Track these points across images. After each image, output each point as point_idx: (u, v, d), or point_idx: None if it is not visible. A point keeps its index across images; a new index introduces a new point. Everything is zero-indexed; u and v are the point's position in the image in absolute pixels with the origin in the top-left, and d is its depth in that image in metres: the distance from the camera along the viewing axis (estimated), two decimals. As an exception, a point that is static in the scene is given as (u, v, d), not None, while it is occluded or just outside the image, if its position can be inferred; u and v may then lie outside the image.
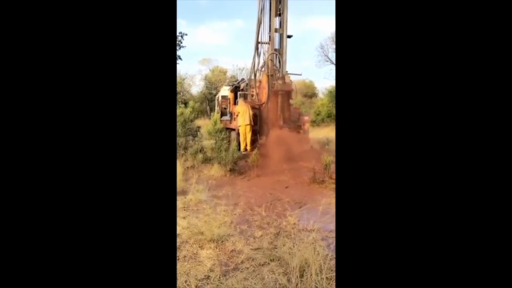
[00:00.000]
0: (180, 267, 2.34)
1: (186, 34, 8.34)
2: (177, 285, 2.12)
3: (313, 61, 56.18)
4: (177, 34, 8.34)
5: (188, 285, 2.14)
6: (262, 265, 2.30)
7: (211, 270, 2.27)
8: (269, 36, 7.28)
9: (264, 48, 7.56)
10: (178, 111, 6.51)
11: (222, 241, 2.73)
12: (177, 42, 8.37)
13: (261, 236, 2.87)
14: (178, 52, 8.54)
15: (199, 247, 2.66)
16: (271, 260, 2.34)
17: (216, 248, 2.62)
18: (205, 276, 2.21)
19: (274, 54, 7.18)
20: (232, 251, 2.57)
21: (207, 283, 2.11)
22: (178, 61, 8.63)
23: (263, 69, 7.48)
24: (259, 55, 7.57)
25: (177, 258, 2.48)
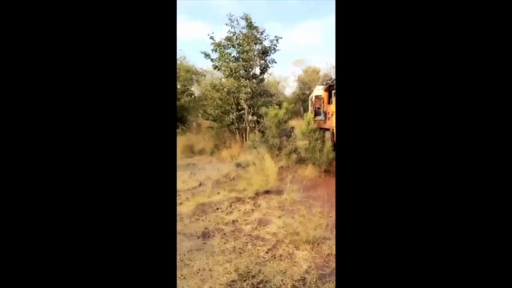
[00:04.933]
0: (276, 265, 2.38)
1: (280, 38, 8.49)
2: (273, 283, 2.17)
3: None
4: (273, 38, 8.55)
5: (284, 284, 2.16)
6: (362, 273, 2.17)
7: (307, 272, 2.25)
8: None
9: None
10: (272, 112, 6.68)
11: (318, 244, 2.68)
12: (273, 46, 8.57)
13: (360, 242, 2.71)
14: (273, 56, 8.75)
15: (295, 247, 2.66)
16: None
17: (312, 250, 2.59)
18: (301, 277, 2.20)
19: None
20: (328, 255, 2.50)
21: (303, 285, 2.10)
22: (273, 64, 8.82)
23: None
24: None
25: (274, 256, 2.54)
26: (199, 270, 2.38)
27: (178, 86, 10.92)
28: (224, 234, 3.05)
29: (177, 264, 2.48)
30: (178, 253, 2.65)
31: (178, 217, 3.54)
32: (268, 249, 2.67)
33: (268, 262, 2.46)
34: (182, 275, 2.31)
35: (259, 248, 2.72)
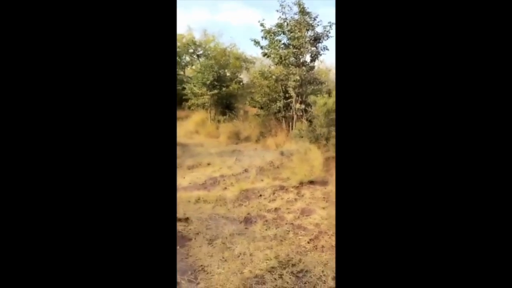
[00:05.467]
0: (318, 257, 2.33)
1: (334, 24, 8.11)
2: (313, 273, 2.13)
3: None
4: (326, 24, 8.21)
5: (324, 275, 2.11)
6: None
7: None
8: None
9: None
10: (321, 101, 6.48)
11: (363, 239, 2.57)
12: (325, 33, 8.24)
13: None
14: (325, 43, 8.43)
15: (338, 240, 2.58)
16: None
17: (356, 244, 2.49)
18: (343, 271, 2.13)
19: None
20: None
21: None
22: (325, 51, 8.51)
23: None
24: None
25: (315, 247, 2.49)
26: (240, 254, 2.42)
27: (228, 74, 11.07)
28: (266, 221, 3.06)
29: (219, 246, 2.55)
30: (220, 236, 2.72)
31: (221, 202, 3.63)
32: (310, 239, 2.63)
33: (309, 252, 2.42)
34: (223, 257, 2.37)
35: (300, 237, 2.69)
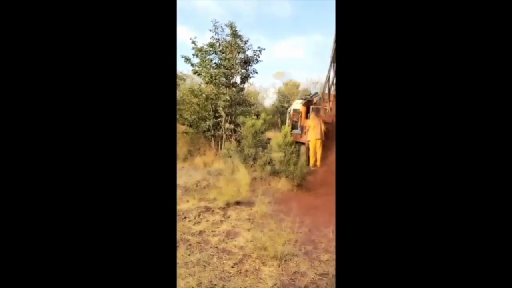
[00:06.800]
0: (242, 282, 2.29)
1: (264, 49, 8.51)
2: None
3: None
4: (256, 48, 8.55)
5: (247, 302, 2.07)
6: (327, 293, 2.12)
7: (272, 290, 2.17)
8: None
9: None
10: (250, 122, 6.64)
11: (286, 260, 2.61)
12: (255, 57, 8.57)
13: (327, 260, 2.67)
14: (255, 66, 8.74)
15: (262, 263, 2.58)
16: (337, 289, 2.14)
17: (279, 266, 2.51)
18: (265, 295, 2.11)
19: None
20: (295, 272, 2.43)
21: (267, 304, 2.02)
22: (254, 75, 8.82)
23: (338, 83, 7.21)
24: (334, 69, 7.36)
25: (239, 271, 2.45)
26: (159, 283, 2.24)
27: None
28: (190, 245, 2.92)
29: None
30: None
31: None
32: (234, 263, 2.57)
33: (232, 277, 2.36)
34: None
35: (224, 262, 2.61)
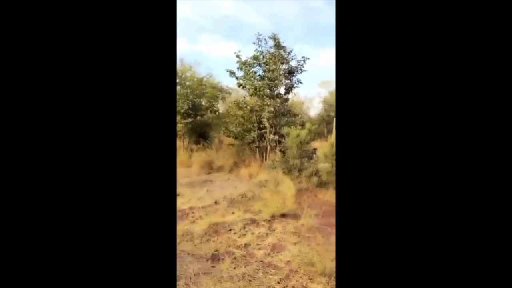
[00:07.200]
0: (288, 299, 2.18)
1: (308, 58, 8.41)
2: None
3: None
4: (300, 58, 8.49)
5: (295, 322, 1.95)
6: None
7: (321, 311, 2.03)
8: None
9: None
10: (294, 132, 6.53)
11: (335, 277, 2.45)
12: (299, 67, 8.50)
13: (382, 279, 2.45)
14: (299, 76, 8.67)
15: (309, 279, 2.45)
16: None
17: (328, 284, 2.36)
18: (314, 316, 1.98)
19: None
20: (346, 292, 2.26)
21: (316, 326, 1.88)
22: (298, 85, 8.74)
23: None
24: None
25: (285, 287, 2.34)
26: (204, 297, 2.21)
27: (203, 102, 11.03)
28: (235, 258, 2.88)
29: None
30: (183, 276, 2.50)
31: (188, 237, 3.41)
32: (280, 279, 2.47)
33: (278, 294, 2.26)
34: (185, 301, 2.16)
35: (270, 276, 2.53)
